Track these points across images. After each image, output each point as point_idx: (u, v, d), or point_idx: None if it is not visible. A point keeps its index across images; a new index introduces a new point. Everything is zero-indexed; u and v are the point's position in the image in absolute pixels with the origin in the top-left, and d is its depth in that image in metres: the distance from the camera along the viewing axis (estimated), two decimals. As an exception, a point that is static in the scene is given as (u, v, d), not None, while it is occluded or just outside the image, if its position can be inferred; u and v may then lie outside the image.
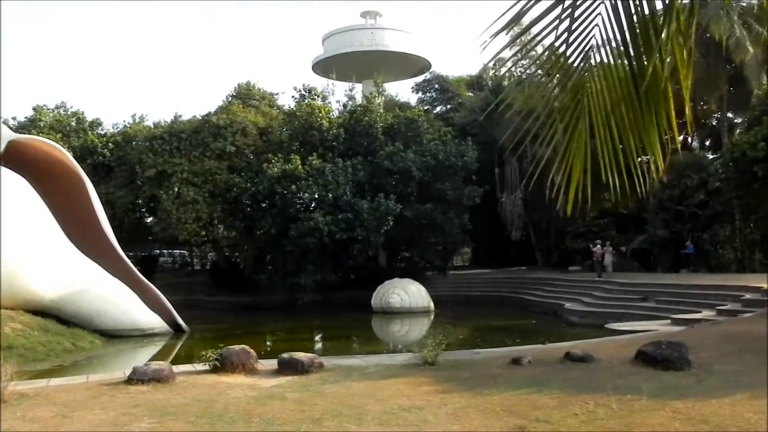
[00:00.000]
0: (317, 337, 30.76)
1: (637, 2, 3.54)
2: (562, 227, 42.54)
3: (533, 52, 3.81)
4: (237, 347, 12.53)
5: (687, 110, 3.68)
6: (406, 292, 35.12)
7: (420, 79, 62.85)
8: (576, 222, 40.76)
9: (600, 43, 3.67)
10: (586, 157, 3.77)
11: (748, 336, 13.40)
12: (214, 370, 12.02)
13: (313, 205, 39.56)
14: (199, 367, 12.39)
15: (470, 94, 55.64)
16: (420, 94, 60.60)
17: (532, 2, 3.53)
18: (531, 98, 3.86)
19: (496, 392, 10.28)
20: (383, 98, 49.86)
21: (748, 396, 9.74)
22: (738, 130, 40.34)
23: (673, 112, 3.63)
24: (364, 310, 34.93)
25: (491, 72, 53.19)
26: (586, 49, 3.70)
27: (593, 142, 3.78)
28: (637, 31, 3.58)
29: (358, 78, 57.73)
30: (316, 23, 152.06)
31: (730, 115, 42.70)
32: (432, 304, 35.28)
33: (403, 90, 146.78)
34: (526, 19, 3.60)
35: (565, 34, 3.62)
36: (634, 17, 3.56)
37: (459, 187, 41.18)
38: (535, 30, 3.68)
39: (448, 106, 57.27)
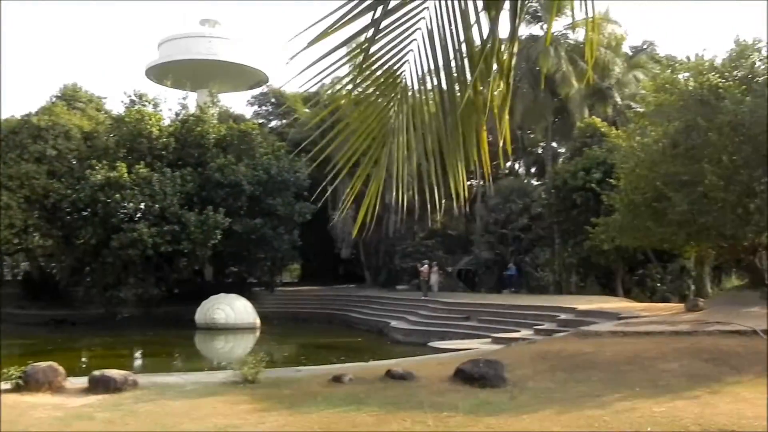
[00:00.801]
0: (136, 354, 29.44)
1: (455, 35, 3.47)
2: (391, 246, 43.16)
3: (368, 72, 3.69)
4: (43, 364, 11.75)
5: (506, 141, 3.64)
6: (232, 308, 34.38)
7: (256, 91, 62.18)
8: (405, 241, 41.45)
9: (432, 68, 3.59)
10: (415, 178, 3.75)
11: (560, 354, 13.92)
12: (17, 388, 11.19)
13: (137, 215, 38.01)
14: (1, 385, 11.39)
15: (306, 110, 55.62)
16: (256, 107, 60.00)
17: (342, 21, 3.39)
18: (367, 118, 3.75)
19: (316, 410, 10.14)
20: (217, 109, 48.83)
21: (556, 411, 10.10)
22: (561, 159, 42.53)
23: (485, 144, 3.61)
24: (187, 326, 33.83)
25: (328, 89, 53.34)
26: (421, 72, 3.63)
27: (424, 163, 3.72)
28: (455, 61, 3.53)
29: (193, 87, 56.21)
30: (152, 28, 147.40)
31: (554, 144, 45.05)
32: (258, 321, 34.74)
33: (238, 102, 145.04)
34: (363, 38, 3.49)
35: (398, 56, 3.57)
36: (450, 49, 3.50)
37: (290, 203, 40.94)
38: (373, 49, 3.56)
39: (284, 121, 56.93)
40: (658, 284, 31.46)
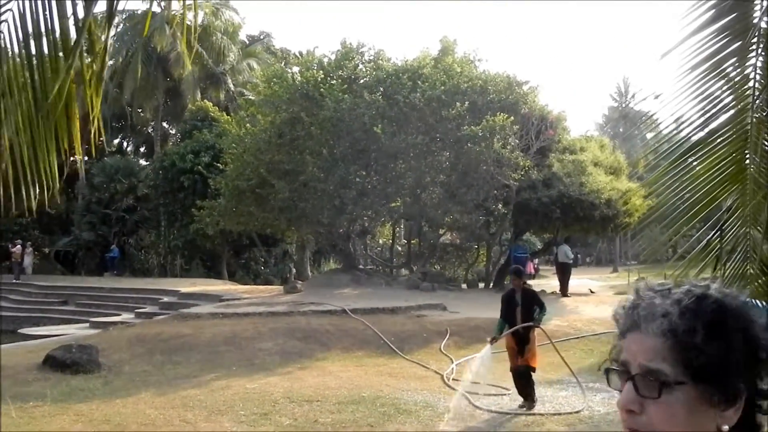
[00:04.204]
0: None
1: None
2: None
3: None
4: None
5: (96, 120, 3.48)
6: None
7: None
8: (-4, 219, 37.87)
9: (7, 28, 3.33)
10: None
11: (159, 337, 13.78)
12: None
13: None
14: None
15: None
16: None
17: None
18: None
19: None
20: None
21: (152, 393, 10.01)
22: (171, 141, 41.99)
23: (76, 119, 3.43)
24: None
25: None
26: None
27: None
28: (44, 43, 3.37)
29: None
30: None
31: (165, 125, 44.29)
32: None
33: None
34: None
35: None
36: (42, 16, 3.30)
37: None
38: None
39: None
40: (262, 267, 32.67)
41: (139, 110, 43.76)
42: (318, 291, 20.09)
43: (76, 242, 37.23)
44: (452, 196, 22.40)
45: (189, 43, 36.29)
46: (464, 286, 25.08)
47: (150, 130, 46.43)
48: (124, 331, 15.39)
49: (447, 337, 13.68)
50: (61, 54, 3.34)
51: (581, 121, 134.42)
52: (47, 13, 3.28)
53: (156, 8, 36.98)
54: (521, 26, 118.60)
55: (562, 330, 14.64)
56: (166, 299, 22.57)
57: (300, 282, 22.86)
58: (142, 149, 48.84)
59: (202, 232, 28.09)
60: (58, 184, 3.55)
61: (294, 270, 30.98)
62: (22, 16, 3.28)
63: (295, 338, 13.59)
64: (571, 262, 24.08)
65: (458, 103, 21.31)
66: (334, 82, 22.66)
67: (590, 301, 19.93)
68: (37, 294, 28.67)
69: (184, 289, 23.52)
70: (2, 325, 24.69)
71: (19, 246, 33.54)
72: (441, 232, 27.01)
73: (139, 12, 37.42)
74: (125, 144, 48.51)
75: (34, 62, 3.38)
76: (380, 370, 11.55)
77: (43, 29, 3.30)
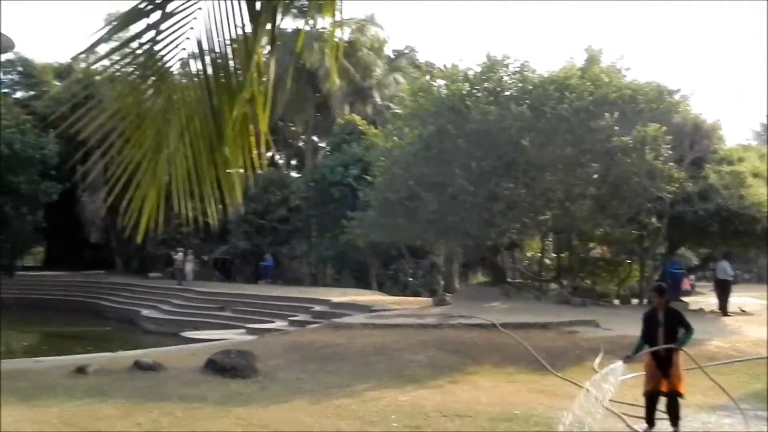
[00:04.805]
0: None
1: (222, 24, 3.52)
2: (144, 232, 41.54)
3: (128, 49, 3.56)
4: None
5: (265, 137, 3.69)
6: (-37, 293, 31.45)
7: (2, 58, 57.16)
8: (155, 227, 39.99)
9: (191, 54, 3.59)
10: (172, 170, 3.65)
11: (312, 345, 14.18)
12: None
13: None
14: None
15: (57, 83, 52.03)
16: (0, 75, 55.13)
17: (132, 15, 3.41)
18: (122, 96, 3.59)
19: (55, 403, 9.60)
20: (-44, 74, 44.42)
21: (306, 401, 10.31)
22: (321, 154, 43.17)
23: (251, 134, 3.62)
24: None
25: (82, 63, 50.37)
26: (176, 57, 3.59)
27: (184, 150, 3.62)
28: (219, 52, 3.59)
29: (-74, 47, 50.83)
30: None
31: (315, 138, 45.64)
32: (-6, 308, 31.97)
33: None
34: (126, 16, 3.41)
35: (155, 38, 3.51)
36: (216, 39, 3.54)
37: (35, 181, 38.10)
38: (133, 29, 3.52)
39: (31, 93, 52.84)
40: (410, 279, 32.93)
41: (291, 124, 45.25)
42: (467, 304, 20.09)
43: (233, 251, 38.93)
44: (603, 209, 21.88)
45: (337, 59, 37.56)
46: (616, 302, 24.35)
47: (301, 143, 47.95)
48: (278, 339, 15.96)
49: (600, 355, 13.32)
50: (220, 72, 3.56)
51: (737, 130, 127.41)
52: (219, 40, 3.51)
53: (305, 26, 38.28)
54: (668, 32, 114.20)
55: (724, 351, 13.95)
56: (317, 308, 23.21)
57: (448, 294, 22.90)
58: (293, 162, 50.55)
59: (352, 243, 28.71)
60: (240, 199, 3.76)
61: (442, 282, 31.09)
62: (200, 45, 3.52)
63: (445, 351, 13.64)
64: (732, 279, 22.88)
65: (607, 114, 20.81)
66: (479, 94, 22.66)
67: (753, 321, 18.89)
68: (197, 299, 30.14)
69: (335, 299, 24.07)
70: (166, 327, 26.22)
71: (181, 254, 35.45)
72: (591, 245, 26.38)
73: (289, 30, 38.78)
74: (277, 157, 50.34)
75: (212, 86, 3.59)
76: (532, 387, 11.41)
77: (209, 50, 3.53)
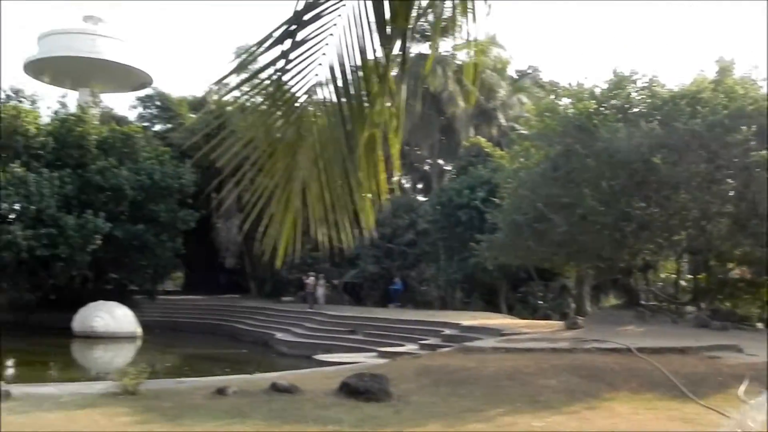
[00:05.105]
0: (8, 363, 28.00)
1: (353, 50, 3.60)
2: (275, 257, 42.72)
3: (258, 80, 3.71)
4: None
5: (396, 158, 3.77)
6: (112, 316, 33.27)
7: (141, 93, 60.42)
8: (291, 253, 41.05)
9: (323, 81, 3.68)
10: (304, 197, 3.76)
11: (444, 369, 14.16)
12: None
13: (11, 216, 36.16)
14: None
15: (192, 115, 54.50)
16: (140, 109, 58.20)
17: (263, 45, 3.49)
18: (254, 126, 3.74)
19: (198, 423, 9.97)
20: (99, 109, 47.24)
21: (440, 425, 10.29)
22: (447, 177, 43.30)
23: (382, 164, 3.69)
24: (64, 334, 32.41)
25: (215, 95, 52.56)
26: (307, 85, 3.69)
27: (311, 177, 3.73)
28: (350, 77, 3.65)
29: (74, 85, 54.30)
30: (32, 21, 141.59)
31: (440, 161, 45.85)
32: (139, 330, 33.74)
33: (121, 104, 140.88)
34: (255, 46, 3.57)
35: (284, 67, 3.63)
36: (348, 64, 3.62)
37: (174, 209, 40.00)
38: (262, 59, 3.64)
39: (169, 126, 55.50)
40: (540, 302, 32.42)
41: (416, 148, 45.66)
42: (599, 327, 19.57)
43: (362, 275, 39.50)
44: (742, 228, 20.89)
45: (461, 81, 37.72)
46: (759, 325, 23.11)
47: (426, 167, 48.28)
48: (410, 362, 16.03)
49: (746, 382, 12.68)
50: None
51: None
52: (350, 66, 3.60)
53: (427, 50, 38.60)
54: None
55: None
56: (447, 332, 23.19)
57: (580, 318, 22.40)
58: (419, 186, 50.95)
59: (481, 266, 28.57)
60: (373, 223, 3.84)
61: (573, 305, 30.46)
62: (332, 71, 3.61)
63: (579, 376, 13.33)
64: None
65: (743, 127, 19.92)
66: (607, 112, 22.19)
67: None
68: (329, 323, 30.68)
69: (464, 322, 23.98)
70: (299, 350, 26.82)
71: (312, 278, 36.28)
72: (730, 266, 25.21)
73: (413, 55, 39.21)
74: (404, 181, 50.87)
75: (344, 112, 3.67)
76: (673, 415, 10.98)
77: (341, 76, 3.63)
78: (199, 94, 56.96)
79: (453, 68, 39.18)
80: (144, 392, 11.93)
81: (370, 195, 3.75)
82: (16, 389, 11.97)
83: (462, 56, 39.76)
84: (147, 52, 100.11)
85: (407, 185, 50.80)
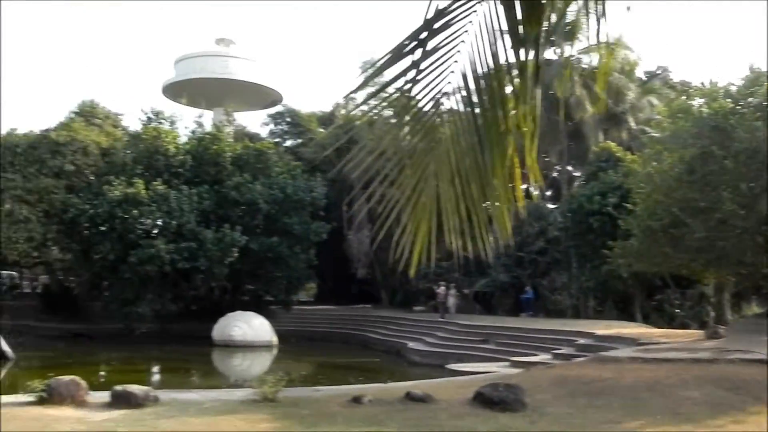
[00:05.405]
0: (154, 370, 29.56)
1: (485, 57, 3.57)
2: (408, 267, 43.08)
3: (385, 93, 3.79)
4: (66, 378, 11.89)
5: (533, 164, 3.75)
6: (249, 326, 34.45)
7: (272, 111, 62.49)
8: (424, 263, 41.33)
9: (453, 90, 3.67)
10: (436, 204, 3.77)
11: (580, 379, 13.91)
12: (41, 401, 11.32)
13: (155, 231, 38.11)
14: (24, 398, 11.61)
15: (321, 129, 55.89)
16: (271, 126, 60.19)
17: (392, 57, 3.51)
18: (382, 138, 3.82)
19: (335, 431, 10.14)
20: (233, 127, 49.18)
21: (577, 438, 10.10)
22: (576, 183, 42.50)
23: (518, 171, 3.69)
24: (204, 343, 33.90)
25: (342, 110, 53.77)
26: (437, 94, 3.69)
27: (443, 187, 3.76)
28: (483, 84, 3.64)
29: (209, 105, 56.81)
30: (170, 46, 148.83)
31: (569, 168, 45.03)
32: (275, 339, 34.77)
33: (254, 121, 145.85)
34: (381, 59, 3.61)
35: (415, 77, 3.61)
36: (480, 70, 3.60)
37: (306, 222, 41.09)
38: (388, 73, 3.65)
39: (299, 141, 57.12)
40: (677, 310, 31.29)
41: (544, 155, 45.05)
42: (742, 337, 18.67)
43: (493, 284, 39.27)
44: None
45: (588, 86, 36.93)
46: None
47: (555, 173, 47.53)
48: (544, 372, 15.83)
49: None
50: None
51: None
52: (482, 74, 3.58)
53: (552, 55, 38.04)
54: None
55: None
56: (581, 341, 22.72)
57: (721, 327, 21.49)
58: (548, 193, 50.20)
59: (614, 274, 27.88)
60: (509, 231, 3.85)
61: (712, 313, 29.26)
62: (465, 79, 3.60)
63: (723, 388, 12.79)
64: None
65: None
66: (744, 110, 21.24)
67: None
68: (460, 332, 30.62)
69: (599, 332, 23.43)
70: (431, 359, 26.94)
71: (443, 288, 36.36)
72: None
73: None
74: (532, 188, 50.19)
75: (478, 120, 3.66)
76: (828, 431, 10.40)
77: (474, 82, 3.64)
78: (328, 108, 58.41)
79: (579, 72, 38.46)
80: (282, 400, 12.23)
81: (505, 204, 3.76)
82: (163, 394, 12.53)
83: (588, 60, 39.08)
84: (277, 70, 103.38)
85: (536, 192, 50.15)
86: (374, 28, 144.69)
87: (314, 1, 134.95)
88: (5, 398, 11.88)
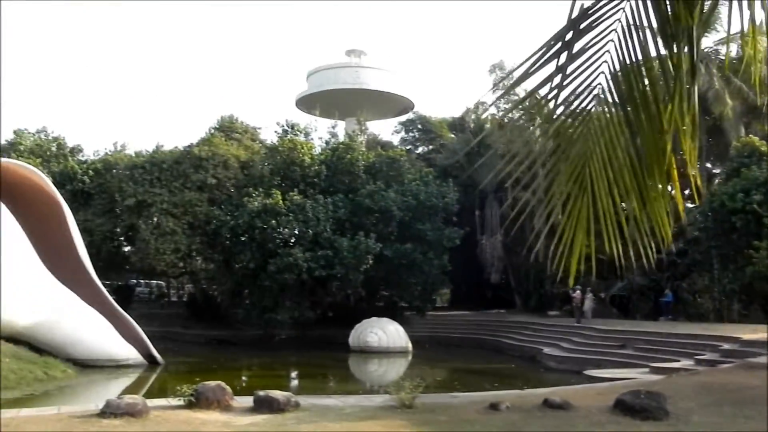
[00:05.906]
0: (293, 375, 30.46)
1: (634, 55, 3.54)
2: (541, 271, 42.58)
3: (514, 96, 3.86)
4: (212, 383, 12.37)
5: (694, 167, 3.68)
6: (384, 332, 34.90)
7: (403, 118, 63.15)
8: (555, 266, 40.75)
9: (601, 90, 3.66)
10: (589, 221, 3.79)
11: (726, 387, 13.39)
12: (189, 405, 11.85)
13: (292, 240, 39.28)
14: (174, 402, 12.20)
15: (452, 135, 56.00)
16: (402, 133, 60.83)
17: (535, 64, 3.51)
18: (512, 142, 3.89)
19: (475, 437, 10.18)
20: (365, 136, 50.02)
21: (727, 448, 9.73)
22: (717, 181, 40.78)
23: (675, 173, 3.66)
24: (341, 349, 34.63)
25: (473, 115, 53.69)
26: (587, 97, 3.69)
27: (598, 193, 3.75)
28: (637, 89, 3.60)
29: (341, 115, 58.05)
30: (302, 59, 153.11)
31: (708, 165, 43.24)
32: (410, 345, 35.06)
33: (385, 129, 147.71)
34: (507, 62, 3.64)
35: (554, 82, 3.59)
36: (631, 71, 3.57)
37: (439, 228, 41.26)
38: (524, 80, 3.65)
39: (430, 147, 57.46)
40: (834, 314, 29.51)
41: (681, 153, 43.41)
42: None
43: (630, 287, 38.20)
44: None
45: (727, 78, 35.27)
46: None
47: (693, 172, 45.70)
48: (687, 379, 15.32)
49: None
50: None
51: None
52: (632, 71, 3.55)
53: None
54: None
55: None
56: (726, 346, 21.75)
57: None
58: (686, 192, 48.33)
59: (761, 275, 26.59)
60: (669, 236, 3.81)
61: None
62: (615, 78, 3.59)
63: None
64: None
65: None
66: None
67: None
68: (597, 337, 29.94)
69: (745, 336, 22.33)
70: (567, 365, 26.51)
71: (579, 291, 35.68)
72: None
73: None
74: (669, 187, 48.48)
75: (632, 120, 3.65)
76: None
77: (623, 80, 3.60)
78: (458, 114, 58.49)
79: (717, 64, 36.88)
80: (419, 406, 12.33)
81: (663, 207, 3.70)
82: (303, 400, 12.83)
83: (727, 51, 37.40)
84: (407, 78, 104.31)
85: (672, 191, 48.37)
86: (503, 32, 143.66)
87: (442, 5, 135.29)
88: (156, 401, 12.54)
